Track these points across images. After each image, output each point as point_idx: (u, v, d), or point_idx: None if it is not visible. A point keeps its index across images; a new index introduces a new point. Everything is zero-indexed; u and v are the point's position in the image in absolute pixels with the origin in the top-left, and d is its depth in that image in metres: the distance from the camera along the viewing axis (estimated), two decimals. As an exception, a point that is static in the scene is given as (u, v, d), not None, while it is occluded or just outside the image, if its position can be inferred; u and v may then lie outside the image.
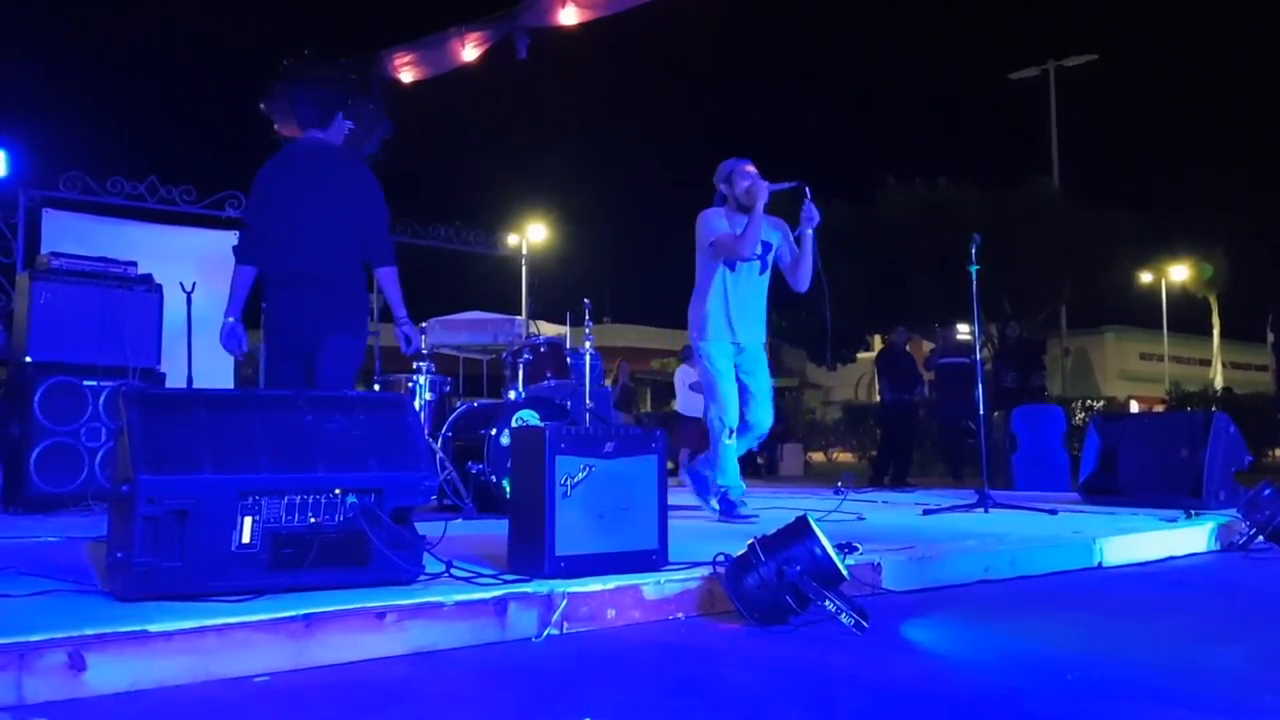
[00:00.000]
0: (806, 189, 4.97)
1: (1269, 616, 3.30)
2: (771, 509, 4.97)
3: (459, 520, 5.27)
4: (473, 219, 10.15)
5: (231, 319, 4.31)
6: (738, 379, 5.24)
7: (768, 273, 5.32)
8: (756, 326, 5.29)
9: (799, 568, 2.82)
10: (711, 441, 5.20)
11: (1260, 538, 4.62)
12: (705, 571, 3.11)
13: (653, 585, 3.03)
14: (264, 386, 4.32)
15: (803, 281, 5.24)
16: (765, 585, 2.85)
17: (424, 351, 6.40)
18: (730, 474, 5.13)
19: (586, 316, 7.58)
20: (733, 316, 5.19)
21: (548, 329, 10.05)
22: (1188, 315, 35.13)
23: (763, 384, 5.29)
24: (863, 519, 5.10)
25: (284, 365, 4.25)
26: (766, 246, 5.26)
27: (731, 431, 5.12)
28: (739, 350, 5.23)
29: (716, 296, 5.21)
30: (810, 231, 5.12)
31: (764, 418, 5.25)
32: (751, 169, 5.21)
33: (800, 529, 2.92)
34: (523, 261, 11.43)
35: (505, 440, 5.73)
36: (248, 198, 4.61)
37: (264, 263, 4.28)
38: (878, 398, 12.26)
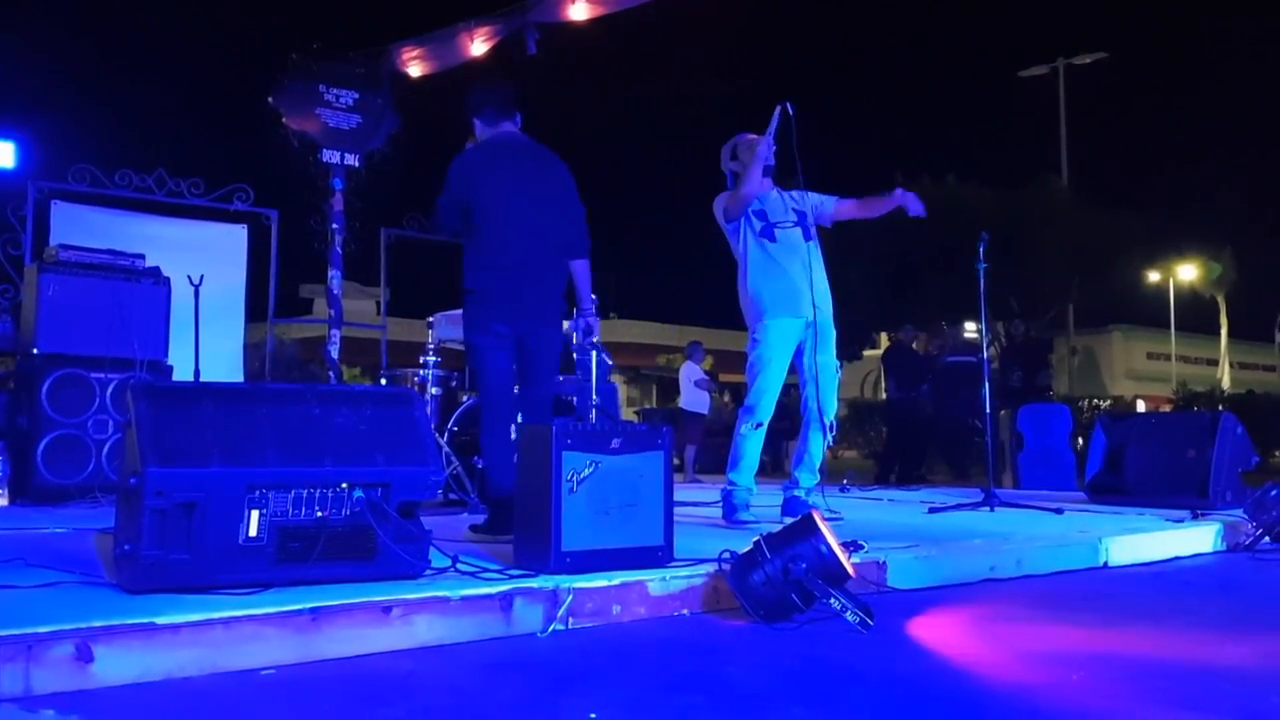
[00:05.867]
0: (788, 107, 4.71)
1: (1275, 617, 3.29)
2: (773, 506, 4.93)
3: (464, 515, 5.28)
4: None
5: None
6: (803, 360, 4.86)
7: (815, 242, 4.95)
8: (823, 296, 4.87)
9: (805, 565, 2.82)
10: (736, 429, 4.89)
11: (1266, 538, 4.61)
12: (711, 568, 3.11)
13: (658, 582, 3.03)
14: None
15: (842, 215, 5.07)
16: (771, 582, 2.85)
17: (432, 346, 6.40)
18: (744, 469, 4.81)
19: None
20: (798, 287, 4.79)
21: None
22: (1195, 315, 35.00)
23: (829, 364, 4.89)
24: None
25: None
26: (800, 215, 4.95)
27: (759, 425, 4.80)
28: (808, 325, 4.82)
29: (767, 269, 4.83)
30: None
31: (831, 402, 4.89)
32: (751, 136, 4.93)
33: (806, 527, 2.92)
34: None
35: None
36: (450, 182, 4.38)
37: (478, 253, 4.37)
38: (884, 395, 12.23)
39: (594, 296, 4.68)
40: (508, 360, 4.34)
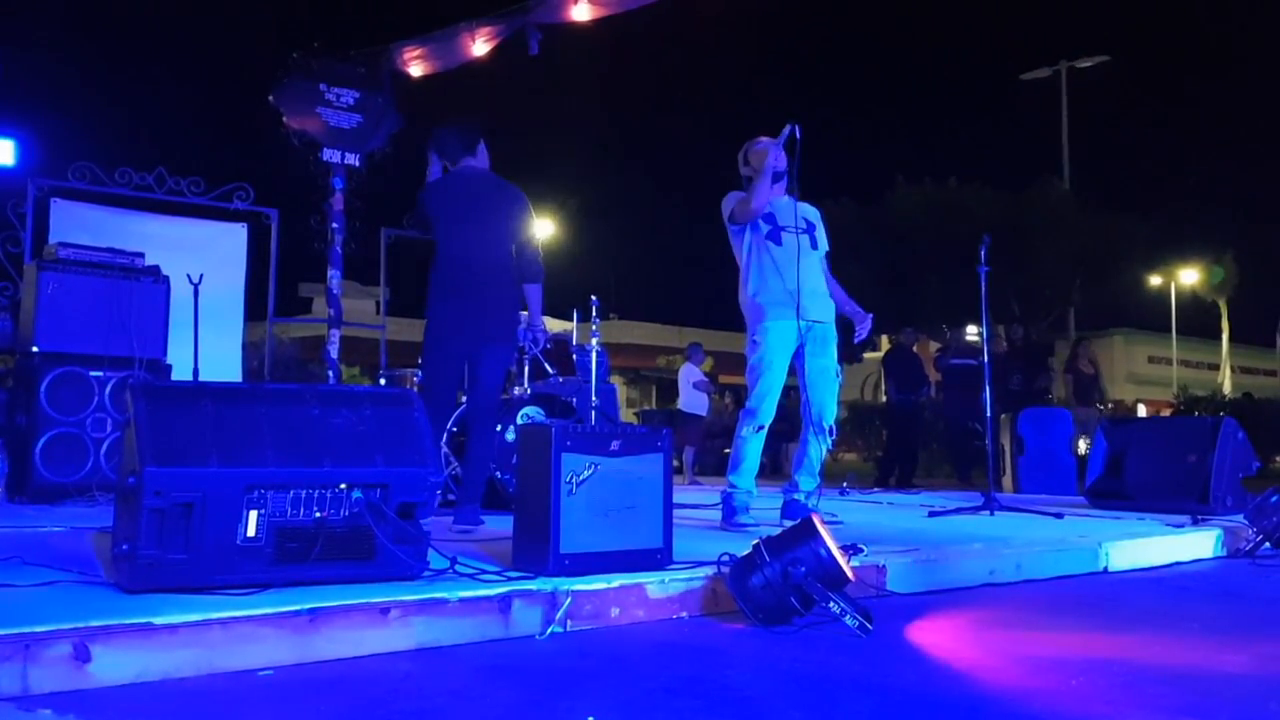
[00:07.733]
0: (796, 129, 4.78)
1: (1274, 623, 3.29)
2: (773, 509, 4.92)
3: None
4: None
5: None
6: (802, 363, 4.86)
7: (819, 251, 5.02)
8: (825, 302, 4.95)
9: (804, 569, 2.81)
10: (736, 432, 4.89)
11: (1267, 544, 4.60)
12: (710, 571, 3.11)
13: (657, 584, 3.03)
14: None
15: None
16: (770, 586, 2.84)
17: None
18: (745, 472, 4.81)
19: (593, 313, 7.58)
20: (799, 290, 4.76)
21: (554, 325, 10.05)
22: (1197, 319, 35.01)
23: (829, 368, 4.90)
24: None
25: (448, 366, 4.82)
26: (810, 225, 5.00)
27: (760, 427, 4.80)
28: (807, 328, 4.82)
29: (769, 271, 4.84)
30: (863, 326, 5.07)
31: (830, 406, 4.92)
32: (764, 139, 4.96)
33: (806, 530, 2.92)
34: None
35: (511, 437, 5.73)
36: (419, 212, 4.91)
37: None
38: (884, 398, 12.22)
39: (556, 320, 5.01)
40: (454, 370, 4.83)
